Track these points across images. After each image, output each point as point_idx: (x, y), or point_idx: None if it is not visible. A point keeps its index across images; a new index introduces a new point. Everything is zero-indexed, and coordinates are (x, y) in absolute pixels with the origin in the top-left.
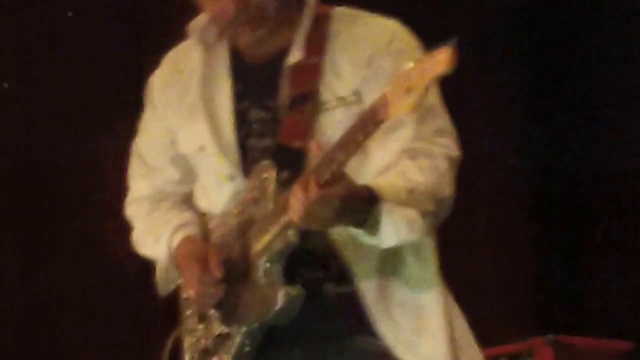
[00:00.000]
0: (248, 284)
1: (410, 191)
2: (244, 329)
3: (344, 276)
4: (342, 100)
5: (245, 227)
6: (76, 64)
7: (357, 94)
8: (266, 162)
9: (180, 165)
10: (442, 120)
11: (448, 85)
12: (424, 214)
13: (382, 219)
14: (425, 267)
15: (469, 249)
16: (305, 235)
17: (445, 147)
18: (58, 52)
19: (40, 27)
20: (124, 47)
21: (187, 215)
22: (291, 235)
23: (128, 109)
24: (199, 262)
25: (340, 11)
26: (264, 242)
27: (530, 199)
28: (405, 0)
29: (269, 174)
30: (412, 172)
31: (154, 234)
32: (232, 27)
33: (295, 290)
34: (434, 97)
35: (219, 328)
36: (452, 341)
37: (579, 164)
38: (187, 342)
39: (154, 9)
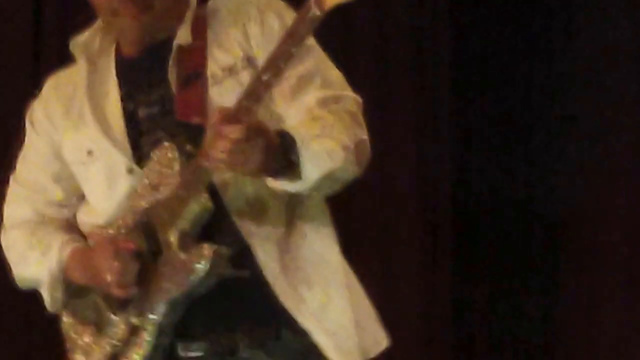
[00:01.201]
0: (159, 265)
1: (323, 127)
2: (159, 311)
3: (243, 259)
4: (230, 70)
5: (150, 213)
6: None
7: (249, 59)
8: (166, 144)
9: (64, 182)
10: (334, 69)
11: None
12: (342, 146)
13: (301, 153)
14: (326, 243)
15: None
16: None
17: (347, 90)
18: None
19: None
20: None
21: (74, 235)
22: (205, 198)
23: None
24: (109, 244)
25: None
26: (177, 215)
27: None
28: None
29: (171, 150)
30: (324, 116)
31: (40, 248)
32: (121, 17)
33: (224, 249)
34: (319, 49)
35: (125, 325)
36: (356, 311)
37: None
38: None
39: None
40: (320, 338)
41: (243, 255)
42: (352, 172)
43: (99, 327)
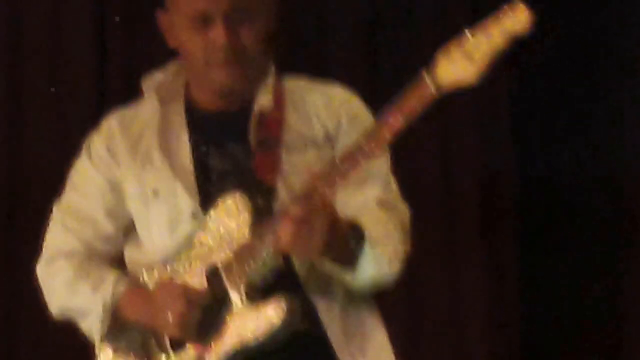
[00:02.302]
0: (224, 315)
1: (387, 234)
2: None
3: (311, 316)
4: (313, 142)
5: (214, 263)
6: None
7: (329, 139)
8: (236, 194)
9: (116, 218)
10: (393, 180)
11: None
12: (399, 257)
13: (367, 252)
14: (374, 320)
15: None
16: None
17: (402, 203)
18: None
19: None
20: None
21: (123, 271)
22: (274, 258)
23: None
24: (177, 286)
25: (289, 78)
26: (244, 271)
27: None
28: None
29: (241, 203)
30: (385, 221)
31: (90, 280)
32: (211, 66)
33: (295, 304)
34: (387, 157)
35: None
36: None
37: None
38: None
39: None
40: None
41: (308, 314)
42: (397, 275)
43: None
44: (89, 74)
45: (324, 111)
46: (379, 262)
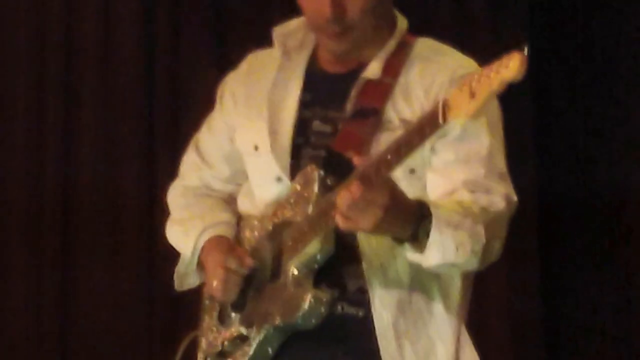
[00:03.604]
0: (275, 287)
1: (464, 218)
2: (264, 332)
3: (361, 298)
4: (405, 123)
5: (281, 229)
6: None
7: None
8: (312, 166)
9: (233, 163)
10: (504, 167)
11: None
12: (474, 241)
13: (431, 234)
14: (448, 308)
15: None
16: (337, 250)
17: (506, 189)
18: None
19: None
20: None
21: (224, 216)
22: (328, 242)
23: None
24: (226, 251)
25: (423, 40)
26: (299, 246)
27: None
28: None
29: (313, 176)
30: (469, 203)
31: (186, 226)
32: (322, 33)
33: (325, 294)
34: (500, 143)
35: (237, 330)
36: None
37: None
38: (203, 343)
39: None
40: None
41: (362, 298)
42: (472, 268)
43: (222, 316)
44: (137, 78)
45: (423, 89)
46: (445, 246)
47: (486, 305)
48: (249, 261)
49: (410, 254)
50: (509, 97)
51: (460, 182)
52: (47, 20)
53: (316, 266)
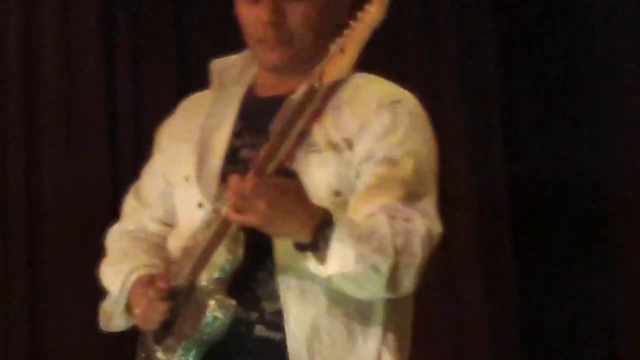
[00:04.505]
0: (189, 304)
1: (370, 234)
2: (180, 350)
3: (277, 321)
4: (333, 146)
5: (193, 251)
6: None
7: (348, 142)
8: (224, 186)
9: (166, 202)
10: (431, 193)
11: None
12: (377, 259)
13: (332, 241)
14: (368, 334)
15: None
16: (254, 272)
17: (428, 218)
18: None
19: None
20: None
21: (155, 261)
22: (234, 250)
23: None
24: (147, 281)
25: (359, 74)
26: (209, 259)
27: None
28: None
29: (226, 196)
30: (381, 223)
31: (117, 267)
32: (262, 45)
33: (227, 300)
34: (426, 168)
35: (165, 352)
36: None
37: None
38: None
39: None
40: None
41: (279, 321)
42: (377, 291)
43: (157, 338)
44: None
45: (353, 112)
46: (344, 256)
47: (463, 300)
48: (162, 284)
49: (312, 265)
50: (477, 83)
51: (379, 208)
52: (6, 34)
53: (226, 277)
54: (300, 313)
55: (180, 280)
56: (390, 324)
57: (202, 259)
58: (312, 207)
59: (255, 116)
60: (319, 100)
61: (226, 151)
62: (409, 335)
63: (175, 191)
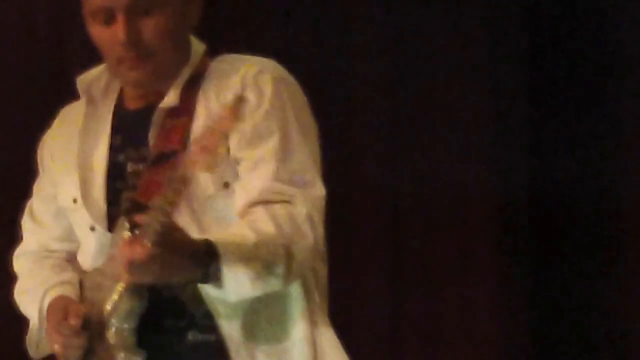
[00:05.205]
0: (102, 346)
1: (257, 244)
2: None
3: (208, 323)
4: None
5: (102, 284)
6: None
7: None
8: (122, 218)
9: (61, 221)
10: (303, 155)
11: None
12: (271, 267)
13: (224, 274)
14: (288, 308)
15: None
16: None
17: (307, 186)
18: None
19: None
20: None
21: (64, 276)
22: (138, 295)
23: None
24: (60, 313)
25: (221, 57)
26: (113, 301)
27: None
28: None
29: (122, 231)
30: (263, 222)
31: (31, 293)
32: (121, 64)
33: (138, 355)
34: (295, 131)
35: None
36: None
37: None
38: None
39: None
40: None
41: (210, 323)
42: (278, 287)
43: None
44: None
45: (222, 93)
46: (239, 283)
47: (475, 306)
48: (74, 321)
49: (213, 291)
50: (502, 91)
51: (257, 194)
52: None
53: (135, 320)
54: (230, 313)
55: (93, 318)
56: (312, 299)
57: (110, 304)
58: (195, 247)
59: (130, 129)
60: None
61: (107, 169)
62: (326, 287)
63: (67, 213)
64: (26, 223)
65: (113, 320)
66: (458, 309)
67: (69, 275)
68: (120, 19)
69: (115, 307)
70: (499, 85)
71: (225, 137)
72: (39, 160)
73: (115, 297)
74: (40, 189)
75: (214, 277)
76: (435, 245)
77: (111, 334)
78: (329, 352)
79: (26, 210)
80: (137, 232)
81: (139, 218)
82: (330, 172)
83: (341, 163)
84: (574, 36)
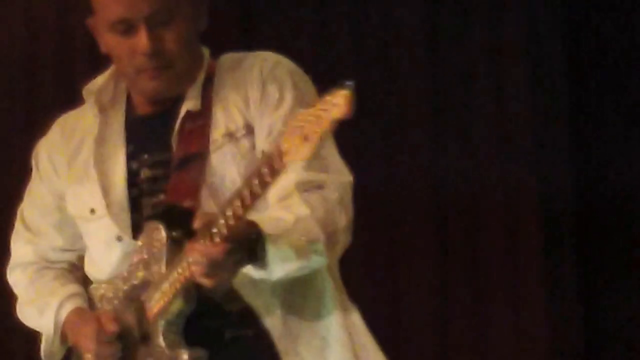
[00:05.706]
0: (147, 350)
1: (295, 222)
2: None
3: (246, 318)
4: (230, 136)
5: (138, 290)
6: None
7: (247, 127)
8: (154, 223)
9: (65, 231)
10: (328, 142)
11: None
12: (312, 242)
13: (268, 248)
14: (322, 298)
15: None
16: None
17: (336, 173)
18: None
19: None
20: None
21: (72, 288)
22: (190, 299)
23: None
24: (92, 323)
25: (223, 58)
26: (161, 304)
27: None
28: None
29: (159, 233)
30: (298, 205)
31: (38, 305)
32: (141, 74)
33: (200, 352)
34: None
35: None
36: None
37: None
38: None
39: None
40: None
41: (247, 316)
42: (322, 263)
43: None
44: None
45: (239, 95)
46: (284, 256)
47: (524, 310)
48: (112, 327)
49: (256, 272)
50: (543, 94)
51: (292, 186)
52: None
53: (183, 322)
54: (268, 306)
55: (128, 323)
56: (338, 286)
57: (157, 307)
58: (248, 236)
59: (144, 135)
60: (275, 179)
61: (127, 177)
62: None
63: (81, 224)
64: (20, 233)
65: (161, 323)
66: (506, 311)
67: (76, 286)
68: (141, 29)
69: (164, 309)
70: (540, 88)
71: (335, 124)
72: (33, 168)
73: (162, 300)
74: (36, 197)
75: (259, 257)
76: (482, 246)
77: (159, 338)
78: (362, 337)
79: (18, 221)
80: (202, 232)
81: (204, 217)
82: (378, 173)
83: (388, 165)
84: (617, 38)
